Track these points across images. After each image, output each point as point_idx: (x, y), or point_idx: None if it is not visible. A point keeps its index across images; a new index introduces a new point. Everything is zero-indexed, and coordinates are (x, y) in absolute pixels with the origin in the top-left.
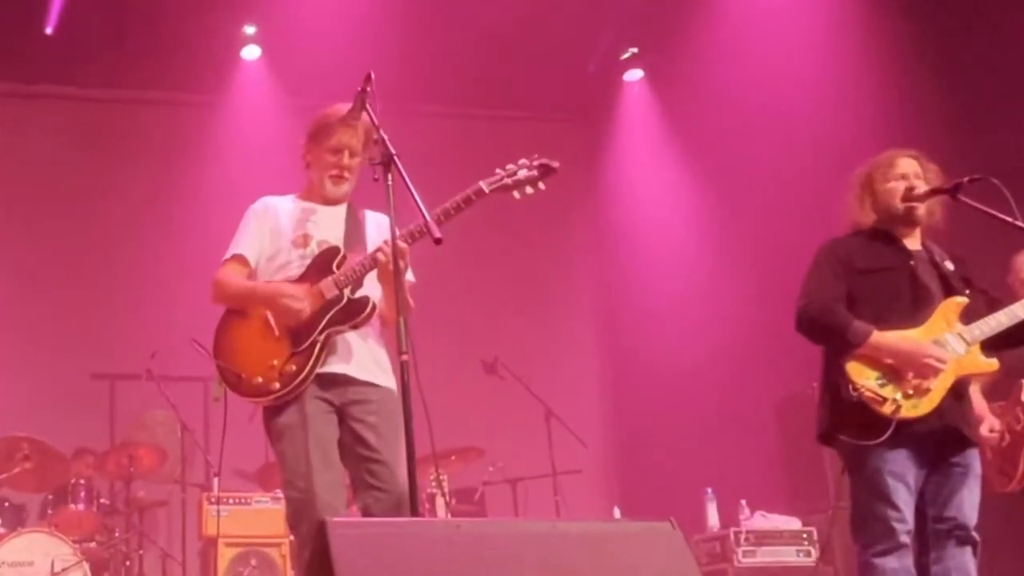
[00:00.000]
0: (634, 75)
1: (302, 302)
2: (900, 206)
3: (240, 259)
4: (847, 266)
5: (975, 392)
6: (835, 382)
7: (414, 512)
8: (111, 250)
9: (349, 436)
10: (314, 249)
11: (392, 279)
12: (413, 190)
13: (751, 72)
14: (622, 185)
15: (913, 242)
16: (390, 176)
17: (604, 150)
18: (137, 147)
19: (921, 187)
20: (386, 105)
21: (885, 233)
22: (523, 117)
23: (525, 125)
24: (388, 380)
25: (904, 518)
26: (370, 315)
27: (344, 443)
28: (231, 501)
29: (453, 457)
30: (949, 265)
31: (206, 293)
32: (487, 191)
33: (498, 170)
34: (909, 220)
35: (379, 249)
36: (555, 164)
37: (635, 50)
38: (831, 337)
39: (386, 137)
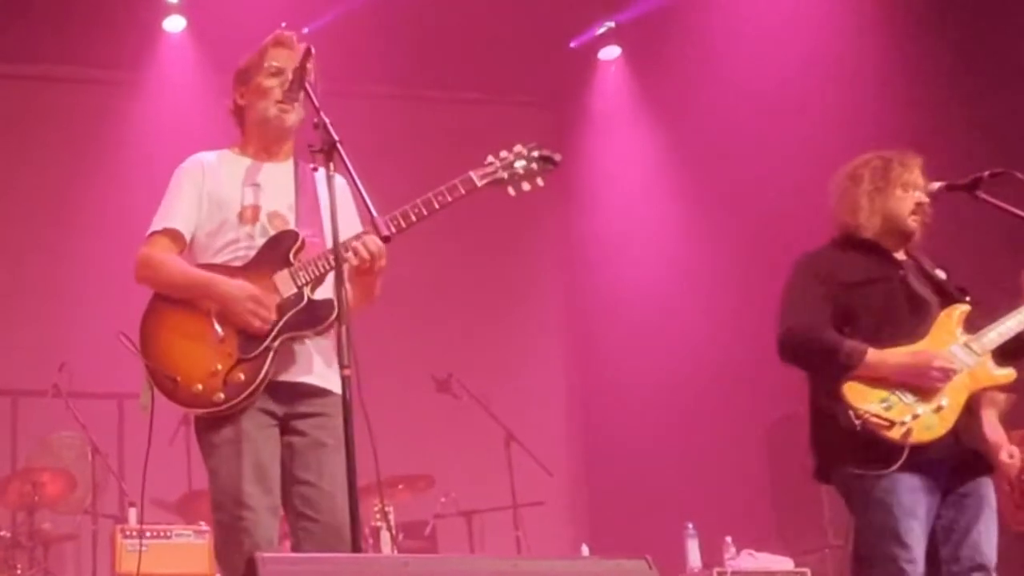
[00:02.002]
0: (610, 52)
1: (269, 312)
2: (908, 223)
3: (171, 234)
4: (831, 282)
5: (991, 418)
6: (829, 411)
7: (355, 548)
8: (13, 248)
9: (287, 452)
10: (265, 225)
11: (367, 280)
12: (358, 181)
13: (742, 50)
14: (595, 178)
15: (899, 252)
16: (332, 166)
17: (575, 138)
18: (44, 131)
19: (925, 201)
20: (329, 85)
21: (870, 243)
22: (483, 99)
23: (486, 108)
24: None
25: (915, 558)
26: (335, 321)
27: (281, 460)
28: (149, 534)
29: (400, 486)
30: (941, 273)
31: (124, 296)
32: (479, 184)
33: (491, 159)
34: (908, 235)
35: (352, 248)
36: (557, 157)
37: (612, 24)
38: (822, 361)
39: (328, 121)
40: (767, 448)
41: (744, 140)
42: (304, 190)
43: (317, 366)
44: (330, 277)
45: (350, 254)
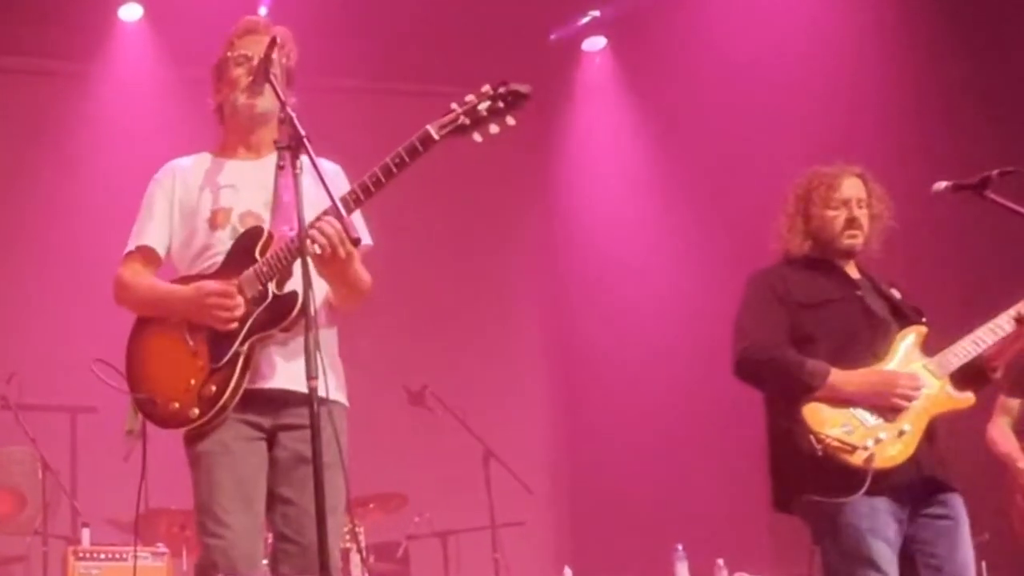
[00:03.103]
0: (595, 43)
1: (234, 298)
2: (842, 241)
3: (145, 252)
4: (787, 301)
5: (1004, 426)
6: (788, 435)
7: (324, 570)
8: None
9: (271, 468)
10: (236, 227)
11: (334, 268)
12: (325, 179)
13: (736, 41)
14: (579, 175)
15: (852, 270)
16: (299, 162)
17: (558, 134)
18: None
19: (863, 217)
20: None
21: (823, 261)
22: (460, 94)
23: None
24: (336, 391)
25: None
26: (300, 316)
27: (267, 477)
28: (103, 556)
29: (371, 505)
30: (896, 293)
31: (76, 304)
32: (437, 136)
33: (453, 105)
34: (847, 253)
35: (311, 237)
36: (525, 89)
37: (596, 13)
38: (783, 381)
39: (294, 115)
40: (761, 464)
41: (738, 136)
42: (285, 184)
43: (297, 370)
44: (298, 269)
45: (313, 246)
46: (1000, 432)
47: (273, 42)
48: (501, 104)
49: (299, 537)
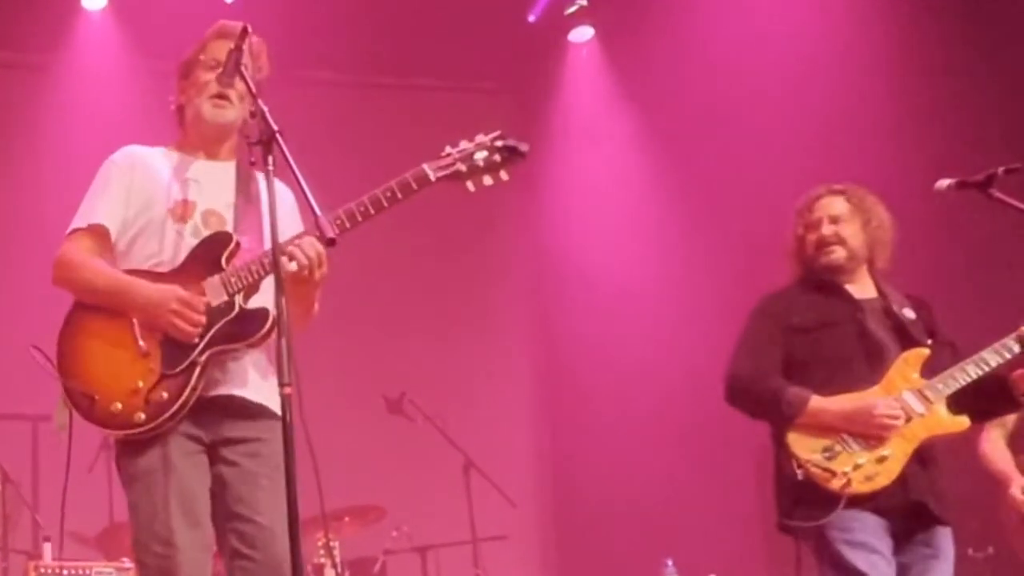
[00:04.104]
0: (582, 34)
1: (198, 314)
2: (819, 260)
3: (96, 231)
4: (783, 325)
5: (999, 441)
6: (780, 459)
7: None
8: None
9: (217, 484)
10: (198, 224)
11: (302, 290)
12: (300, 177)
13: (732, 31)
14: (565, 174)
15: (862, 289)
16: (272, 159)
17: (543, 130)
18: None
19: (842, 232)
20: (268, 70)
21: (827, 283)
22: (441, 87)
23: (444, 96)
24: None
25: None
26: (268, 333)
27: (212, 492)
28: (66, 572)
29: (347, 518)
30: (909, 313)
31: (37, 305)
32: (433, 179)
33: (448, 149)
34: (830, 270)
35: (287, 252)
36: (524, 147)
37: (583, 2)
38: (765, 409)
39: (266, 110)
40: (756, 475)
41: (734, 133)
42: (245, 191)
43: (251, 380)
44: (266, 285)
45: (285, 259)
46: (993, 447)
47: (244, 31)
48: (497, 157)
49: (256, 553)
